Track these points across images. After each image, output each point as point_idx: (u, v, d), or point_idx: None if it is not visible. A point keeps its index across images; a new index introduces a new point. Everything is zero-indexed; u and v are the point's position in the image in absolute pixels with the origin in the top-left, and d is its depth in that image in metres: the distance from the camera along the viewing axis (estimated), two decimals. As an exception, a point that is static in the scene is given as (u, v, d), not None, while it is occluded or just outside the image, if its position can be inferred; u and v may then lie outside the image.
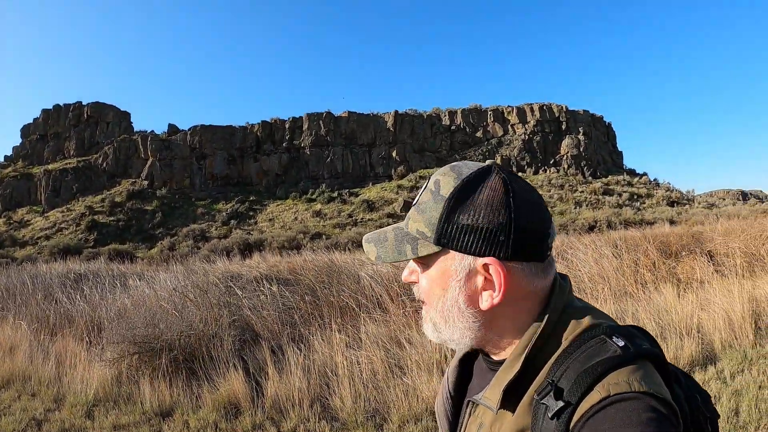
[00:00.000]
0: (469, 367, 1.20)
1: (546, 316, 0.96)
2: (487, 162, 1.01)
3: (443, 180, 1.00)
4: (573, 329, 0.95)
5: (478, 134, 66.94)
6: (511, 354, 0.97)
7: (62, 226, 48.97)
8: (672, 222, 37.82)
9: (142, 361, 6.28)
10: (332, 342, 6.07)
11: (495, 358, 1.05)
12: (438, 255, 1.00)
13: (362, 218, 48.83)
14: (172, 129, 65.31)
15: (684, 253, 12.11)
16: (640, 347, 0.88)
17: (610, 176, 64.53)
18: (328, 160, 61.29)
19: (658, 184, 66.31)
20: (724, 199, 72.59)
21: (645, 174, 70.50)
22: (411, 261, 1.08)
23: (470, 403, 1.06)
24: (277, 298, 8.05)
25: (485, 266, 0.95)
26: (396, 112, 65.41)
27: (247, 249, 35.43)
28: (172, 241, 43.85)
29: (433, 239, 0.98)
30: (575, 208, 51.83)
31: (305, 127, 63.50)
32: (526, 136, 66.33)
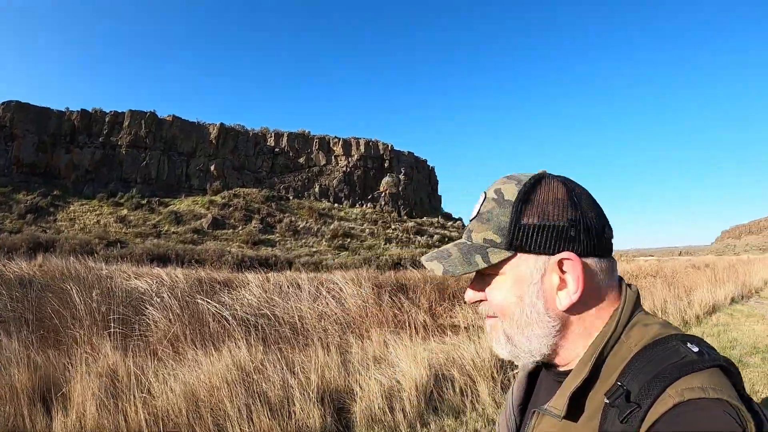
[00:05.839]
0: (533, 382, 1.29)
1: (616, 321, 1.03)
2: (539, 171, 1.12)
3: (504, 188, 1.10)
4: (642, 335, 1.00)
5: (301, 160, 73.30)
6: (579, 361, 1.03)
7: None
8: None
9: None
10: None
11: (562, 368, 1.11)
12: (509, 260, 1.07)
13: (167, 230, 51.54)
14: (-16, 100, 61.61)
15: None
16: (715, 355, 0.93)
17: (425, 218, 73.26)
18: (144, 163, 63.44)
19: (471, 229, 77.43)
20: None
21: (460, 219, 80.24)
22: (473, 281, 1.16)
23: (535, 414, 1.09)
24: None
25: (561, 262, 1.03)
26: (222, 124, 69.81)
27: (37, 249, 34.97)
28: (-42, 229, 42.49)
29: (504, 244, 1.06)
30: (385, 244, 58.19)
31: (126, 124, 65.14)
32: (348, 169, 73.98)
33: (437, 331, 9.25)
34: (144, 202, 58.26)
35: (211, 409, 5.08)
